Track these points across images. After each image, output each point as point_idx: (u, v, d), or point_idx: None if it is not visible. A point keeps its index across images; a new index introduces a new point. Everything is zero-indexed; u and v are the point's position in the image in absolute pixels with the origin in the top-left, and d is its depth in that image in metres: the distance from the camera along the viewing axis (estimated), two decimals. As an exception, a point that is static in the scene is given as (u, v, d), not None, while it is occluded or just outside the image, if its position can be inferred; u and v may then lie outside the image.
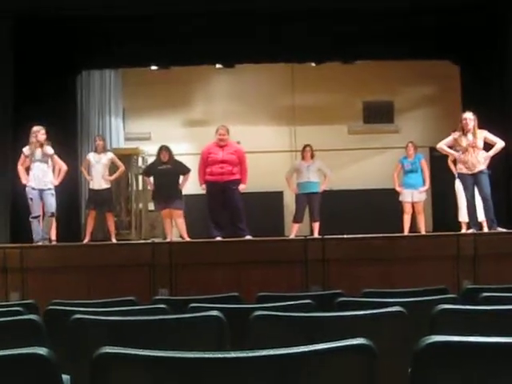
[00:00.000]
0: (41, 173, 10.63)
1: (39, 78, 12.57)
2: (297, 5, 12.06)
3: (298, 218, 12.70)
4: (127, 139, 16.39)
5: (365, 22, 12.64)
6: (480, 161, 10.02)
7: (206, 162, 11.21)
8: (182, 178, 11.86)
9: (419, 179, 12.53)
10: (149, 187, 12.31)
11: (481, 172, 10.02)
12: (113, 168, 12.39)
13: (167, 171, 11.76)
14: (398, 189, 12.59)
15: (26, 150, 10.68)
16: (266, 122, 16.33)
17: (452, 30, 12.93)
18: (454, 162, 11.23)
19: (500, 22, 11.98)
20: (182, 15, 12.52)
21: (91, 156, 12.30)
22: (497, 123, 11.98)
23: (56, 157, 10.95)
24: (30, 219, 10.50)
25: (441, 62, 14.01)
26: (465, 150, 10.13)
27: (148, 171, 12.39)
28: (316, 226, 12.53)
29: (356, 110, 16.68)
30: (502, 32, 11.94)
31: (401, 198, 12.57)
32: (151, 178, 12.11)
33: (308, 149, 12.82)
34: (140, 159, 15.78)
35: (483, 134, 10.08)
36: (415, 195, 12.47)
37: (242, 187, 11.14)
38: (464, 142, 10.13)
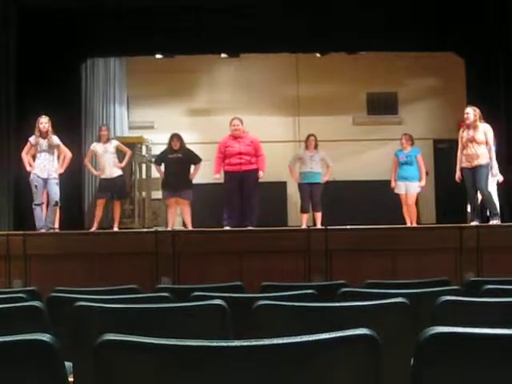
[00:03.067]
0: (46, 162, 10.68)
1: (43, 66, 12.58)
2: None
3: (305, 208, 12.70)
4: (131, 128, 16.39)
5: (370, 14, 12.62)
6: (480, 154, 10.00)
7: (223, 153, 11.33)
8: (192, 167, 11.86)
9: (414, 172, 12.40)
10: (159, 175, 12.26)
11: (480, 166, 9.99)
12: (119, 155, 12.39)
13: (178, 160, 11.73)
14: (392, 185, 12.51)
15: (32, 139, 10.70)
16: (271, 112, 16.32)
17: (457, 21, 12.91)
18: None
19: (504, 14, 11.95)
20: (187, 4, 12.51)
21: (96, 147, 12.27)
22: (501, 115, 11.98)
23: (62, 145, 10.98)
24: (33, 206, 10.54)
25: (445, 53, 13.97)
26: (465, 145, 10.14)
27: (159, 160, 12.29)
28: (318, 216, 12.52)
29: (360, 101, 16.65)
30: (506, 24, 11.92)
31: (396, 191, 12.52)
32: (162, 167, 12.11)
33: (312, 138, 12.79)
34: (144, 148, 15.77)
35: (484, 128, 10.05)
36: (408, 187, 12.39)
37: (260, 175, 11.31)
38: (465, 136, 10.14)
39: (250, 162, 11.24)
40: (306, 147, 12.84)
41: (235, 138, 11.31)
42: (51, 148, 10.73)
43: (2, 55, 11.40)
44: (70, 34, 12.98)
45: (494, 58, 12.43)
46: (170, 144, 11.92)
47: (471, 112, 10.10)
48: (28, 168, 10.69)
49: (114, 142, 12.41)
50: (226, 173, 11.35)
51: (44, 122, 10.65)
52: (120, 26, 13.03)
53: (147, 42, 13.37)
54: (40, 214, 10.54)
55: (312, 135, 12.86)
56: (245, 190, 11.22)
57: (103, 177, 12.24)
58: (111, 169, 12.10)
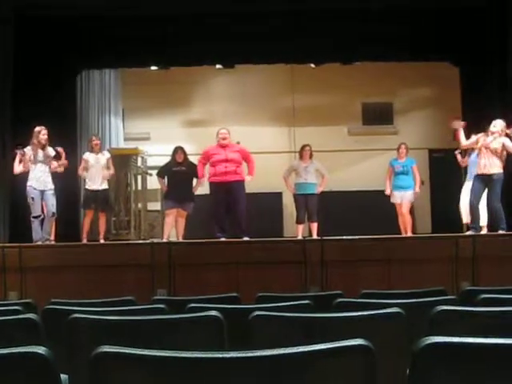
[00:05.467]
0: (42, 174, 10.63)
1: (39, 77, 12.59)
2: (297, 6, 12.10)
3: (300, 219, 12.69)
4: (126, 139, 16.39)
5: (364, 24, 12.65)
6: (493, 164, 9.90)
7: (206, 160, 11.32)
8: (195, 180, 11.88)
9: (410, 182, 12.46)
10: (162, 188, 12.30)
11: (492, 176, 9.90)
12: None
13: (182, 173, 11.78)
14: (387, 192, 12.55)
15: (27, 149, 10.65)
16: (266, 123, 16.34)
17: (452, 31, 12.96)
18: (462, 153, 11.33)
19: (500, 24, 12.00)
20: (182, 16, 12.55)
21: (89, 156, 12.27)
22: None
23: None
24: (31, 219, 10.50)
25: (440, 63, 14.01)
26: (479, 151, 10.10)
27: (162, 173, 12.24)
28: (314, 226, 12.50)
29: (355, 111, 16.69)
30: (501, 34, 11.96)
31: (392, 200, 12.55)
32: (165, 180, 12.12)
33: (307, 148, 12.79)
34: (139, 159, 15.76)
35: (502, 140, 9.95)
36: (404, 196, 12.44)
37: (248, 179, 11.25)
38: (481, 142, 10.09)
39: (235, 172, 11.10)
40: (301, 157, 12.84)
41: (222, 147, 11.28)
42: (47, 158, 10.70)
43: (-1, 65, 11.44)
44: (66, 45, 12.99)
45: (488, 68, 12.48)
46: (173, 157, 11.93)
47: (499, 123, 10.01)
48: (16, 169, 10.67)
49: (107, 155, 12.48)
50: (212, 184, 11.25)
51: (44, 132, 10.63)
52: (115, 37, 13.05)
53: (142, 54, 13.39)
54: (38, 227, 10.49)
55: (307, 145, 12.86)
56: (231, 202, 11.10)
57: (89, 188, 12.25)
58: (99, 181, 12.14)
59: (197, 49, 13.13)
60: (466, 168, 11.92)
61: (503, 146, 9.92)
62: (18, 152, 10.65)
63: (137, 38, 12.91)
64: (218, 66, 14.72)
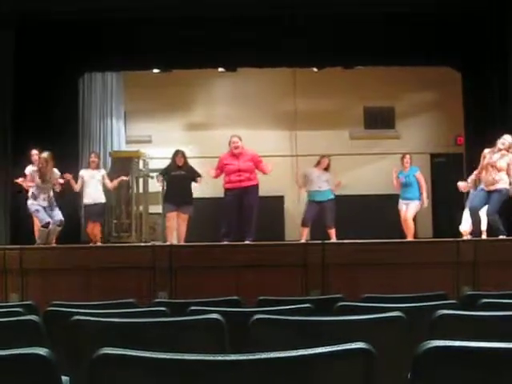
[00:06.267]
0: (46, 191, 10.68)
1: (41, 80, 12.60)
2: (299, 10, 12.10)
3: (305, 222, 12.68)
4: (128, 142, 16.39)
5: (366, 28, 12.66)
6: (498, 180, 9.86)
7: (221, 169, 11.43)
8: (193, 184, 12.01)
9: (415, 193, 12.50)
10: (160, 187, 12.46)
11: (496, 190, 9.88)
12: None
13: (181, 176, 11.86)
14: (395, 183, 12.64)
15: (30, 171, 10.73)
16: (268, 127, 16.33)
17: (453, 36, 12.95)
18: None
19: (501, 29, 12.01)
20: (185, 19, 12.55)
21: (84, 173, 12.62)
22: (497, 129, 11.99)
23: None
24: (41, 228, 10.51)
25: (442, 68, 14.00)
26: (483, 168, 10.06)
27: (163, 173, 12.35)
28: (332, 232, 12.41)
29: (357, 115, 16.68)
30: (502, 39, 11.97)
31: (398, 207, 12.62)
32: (164, 182, 12.27)
33: (326, 159, 12.76)
34: (141, 162, 15.77)
35: (508, 158, 9.91)
36: (409, 205, 12.47)
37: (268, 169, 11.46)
38: (487, 159, 10.05)
39: (249, 179, 11.26)
40: (318, 164, 12.74)
41: (235, 156, 11.32)
42: (48, 184, 10.72)
43: (0, 69, 11.43)
44: (68, 48, 13.00)
45: (490, 73, 12.48)
46: (174, 160, 11.98)
47: (507, 139, 9.96)
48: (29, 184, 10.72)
49: (102, 171, 12.93)
50: (227, 190, 11.39)
51: (43, 163, 10.65)
52: (117, 40, 13.06)
53: (144, 57, 13.39)
54: (43, 215, 10.53)
55: (327, 157, 12.83)
56: (245, 206, 11.23)
57: (86, 202, 12.68)
58: (94, 195, 12.56)
59: (199, 52, 13.13)
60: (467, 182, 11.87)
61: (508, 165, 9.89)
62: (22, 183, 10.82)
63: (139, 41, 12.92)
64: (220, 70, 14.72)
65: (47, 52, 12.69)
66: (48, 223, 10.52)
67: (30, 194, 10.70)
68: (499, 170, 9.89)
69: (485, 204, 10.05)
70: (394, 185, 12.76)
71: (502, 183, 9.90)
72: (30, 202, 10.64)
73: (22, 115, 11.87)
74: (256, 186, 11.34)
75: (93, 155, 13.01)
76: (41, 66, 12.57)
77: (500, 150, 9.93)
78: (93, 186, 12.53)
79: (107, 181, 12.79)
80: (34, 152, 11.28)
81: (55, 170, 10.88)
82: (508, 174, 9.91)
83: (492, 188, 9.92)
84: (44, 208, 10.61)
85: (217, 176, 11.55)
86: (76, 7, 11.90)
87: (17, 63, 11.72)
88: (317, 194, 12.57)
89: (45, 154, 10.68)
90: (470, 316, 3.57)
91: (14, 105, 11.71)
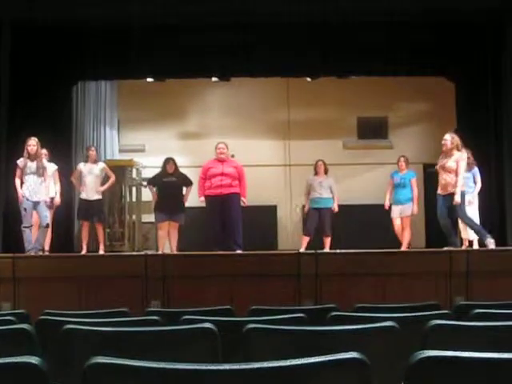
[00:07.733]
0: (34, 185, 10.51)
1: (35, 88, 12.60)
2: (293, 19, 12.13)
3: (305, 231, 12.71)
4: (121, 151, 16.35)
5: (360, 38, 12.70)
6: (451, 183, 9.83)
7: (205, 175, 11.29)
8: (184, 189, 11.95)
9: (407, 195, 12.47)
10: (151, 197, 12.33)
11: (451, 194, 9.81)
12: (104, 178, 12.52)
13: (172, 183, 11.83)
14: (386, 205, 12.53)
15: (20, 161, 10.58)
16: (261, 136, 16.33)
17: (448, 47, 12.99)
18: None
19: (495, 40, 12.06)
20: (179, 28, 12.58)
21: (82, 166, 12.37)
22: (490, 140, 12.04)
23: (56, 174, 11.02)
24: (22, 228, 10.43)
25: (436, 78, 14.04)
26: (438, 172, 10.05)
27: (153, 181, 12.34)
28: (327, 240, 12.44)
29: (350, 125, 16.69)
30: (496, 50, 12.02)
31: (391, 215, 12.56)
32: (155, 189, 12.16)
33: (320, 163, 12.80)
34: (134, 171, 15.74)
35: (457, 157, 9.88)
36: (403, 210, 12.45)
37: (243, 200, 11.23)
38: (438, 163, 10.05)
39: (230, 185, 11.10)
40: (316, 173, 12.80)
41: (219, 161, 11.30)
42: (40, 170, 10.60)
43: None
44: (62, 56, 12.99)
45: (484, 83, 12.53)
46: (164, 167, 11.98)
47: (449, 139, 9.92)
48: (20, 197, 10.52)
49: (101, 165, 12.57)
50: (207, 197, 11.21)
51: (32, 144, 10.51)
52: (111, 49, 13.05)
53: (138, 66, 13.39)
54: (29, 236, 10.39)
55: (320, 160, 12.86)
56: (226, 214, 11.07)
57: (82, 197, 12.33)
58: (92, 191, 12.21)
59: (193, 61, 13.14)
60: None
61: (456, 163, 9.84)
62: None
63: (133, 50, 12.92)
64: (213, 79, 14.73)
65: (41, 60, 12.68)
66: (29, 226, 10.42)
67: (22, 187, 10.56)
68: (449, 172, 9.86)
69: (446, 208, 10.01)
70: (386, 194, 12.68)
71: (453, 186, 9.83)
72: (21, 196, 10.49)
73: (15, 122, 11.85)
74: (237, 194, 11.15)
75: (91, 148, 12.73)
76: (34, 75, 12.56)
77: (445, 152, 9.91)
78: (90, 181, 12.21)
79: (110, 172, 12.51)
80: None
81: (52, 164, 10.80)
82: (456, 174, 9.82)
83: (445, 192, 9.90)
84: (34, 203, 10.44)
85: (202, 193, 11.29)
86: (70, 16, 11.92)
87: (11, 72, 11.70)
88: (317, 201, 12.61)
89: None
90: (463, 326, 3.58)
91: (8, 113, 11.69)
